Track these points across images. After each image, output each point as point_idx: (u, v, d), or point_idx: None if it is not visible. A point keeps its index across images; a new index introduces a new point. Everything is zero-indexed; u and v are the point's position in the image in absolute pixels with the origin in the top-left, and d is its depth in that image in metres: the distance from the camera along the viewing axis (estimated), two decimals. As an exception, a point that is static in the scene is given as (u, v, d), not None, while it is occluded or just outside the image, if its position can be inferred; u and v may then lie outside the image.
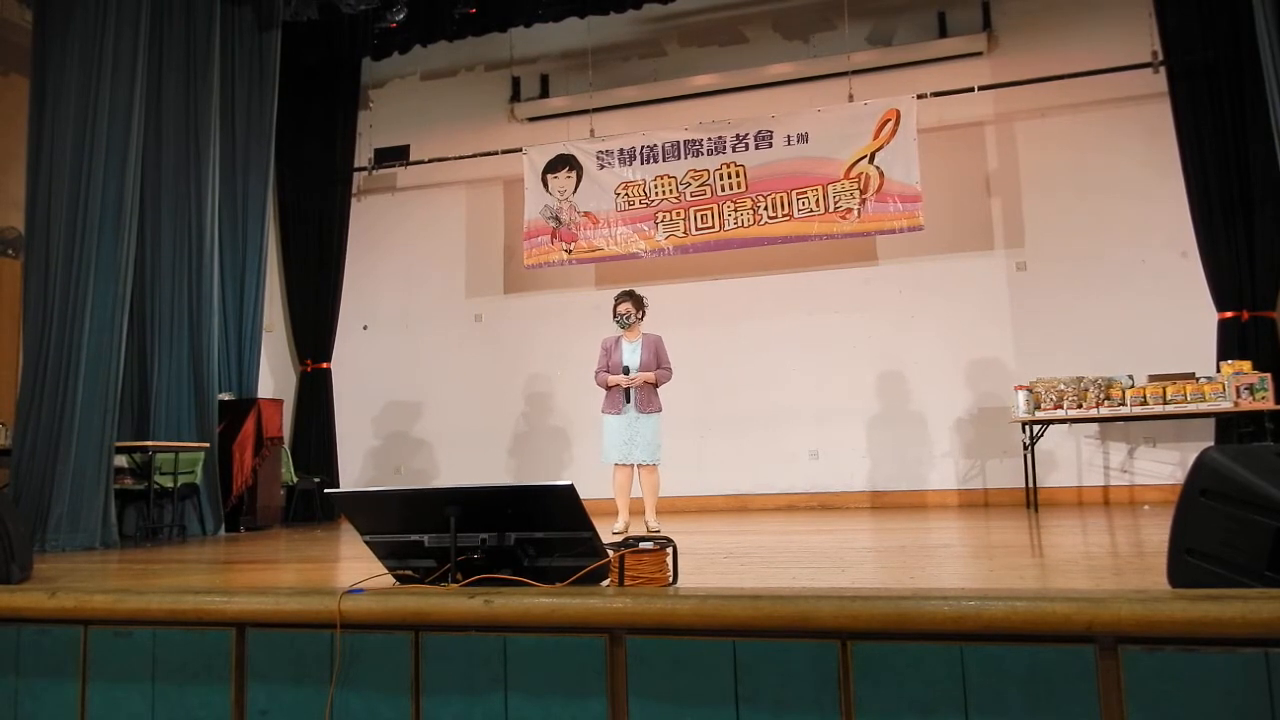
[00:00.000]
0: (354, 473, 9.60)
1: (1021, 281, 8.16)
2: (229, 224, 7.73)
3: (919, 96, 8.04)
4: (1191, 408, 6.68)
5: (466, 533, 2.74)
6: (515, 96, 9.60)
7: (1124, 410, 6.84)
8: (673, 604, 2.45)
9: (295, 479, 8.55)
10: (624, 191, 8.74)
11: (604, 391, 6.19)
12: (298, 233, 9.57)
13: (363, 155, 9.73)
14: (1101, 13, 8.05)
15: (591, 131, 9.04)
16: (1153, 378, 6.86)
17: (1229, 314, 7.30)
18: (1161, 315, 7.67)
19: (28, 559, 3.45)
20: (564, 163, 8.93)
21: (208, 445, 6.94)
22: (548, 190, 8.95)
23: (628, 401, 6.03)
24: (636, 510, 6.13)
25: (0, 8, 7.56)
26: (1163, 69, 7.58)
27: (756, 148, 8.42)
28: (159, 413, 6.81)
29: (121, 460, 6.38)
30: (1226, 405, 6.56)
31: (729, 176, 8.47)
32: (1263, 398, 6.47)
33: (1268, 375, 6.51)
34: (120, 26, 6.38)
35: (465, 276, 9.69)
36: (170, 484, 6.55)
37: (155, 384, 6.83)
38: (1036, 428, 7.06)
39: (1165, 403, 6.71)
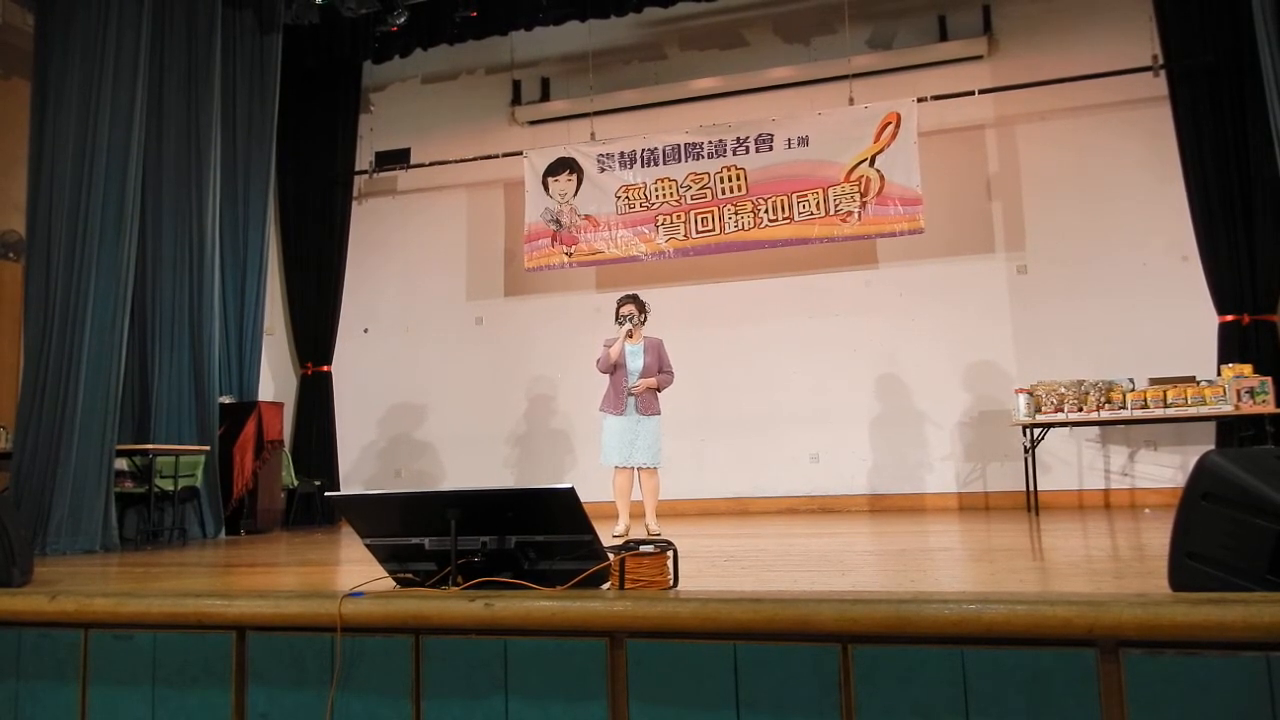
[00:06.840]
0: (355, 476, 9.60)
1: (1022, 284, 8.16)
2: (230, 227, 7.73)
3: (919, 100, 8.04)
4: (1192, 411, 6.68)
5: (467, 536, 2.74)
6: (516, 100, 9.60)
7: (1124, 413, 6.83)
8: (673, 607, 2.45)
9: (296, 482, 8.53)
10: (624, 194, 8.74)
11: (604, 390, 6.17)
12: (298, 235, 9.57)
13: (363, 158, 9.73)
14: (1102, 16, 8.06)
15: (592, 134, 9.04)
16: (1153, 381, 6.86)
17: (1230, 317, 7.30)
18: (1162, 318, 7.66)
19: (28, 562, 3.45)
20: (564, 166, 8.93)
21: (208, 448, 6.94)
22: (548, 193, 8.95)
23: (630, 397, 6.02)
24: (637, 513, 6.12)
25: (2, 11, 7.56)
26: (1163, 72, 7.59)
27: (757, 151, 8.42)
28: (159, 416, 6.80)
29: (122, 463, 6.37)
30: (1227, 409, 6.55)
31: (729, 179, 8.47)
32: (1263, 401, 6.46)
33: (1269, 379, 6.50)
34: (121, 30, 6.38)
35: (466, 279, 9.69)
36: (171, 487, 6.55)
37: (156, 387, 6.82)
38: (1037, 431, 7.05)
39: (1166, 406, 6.71)
